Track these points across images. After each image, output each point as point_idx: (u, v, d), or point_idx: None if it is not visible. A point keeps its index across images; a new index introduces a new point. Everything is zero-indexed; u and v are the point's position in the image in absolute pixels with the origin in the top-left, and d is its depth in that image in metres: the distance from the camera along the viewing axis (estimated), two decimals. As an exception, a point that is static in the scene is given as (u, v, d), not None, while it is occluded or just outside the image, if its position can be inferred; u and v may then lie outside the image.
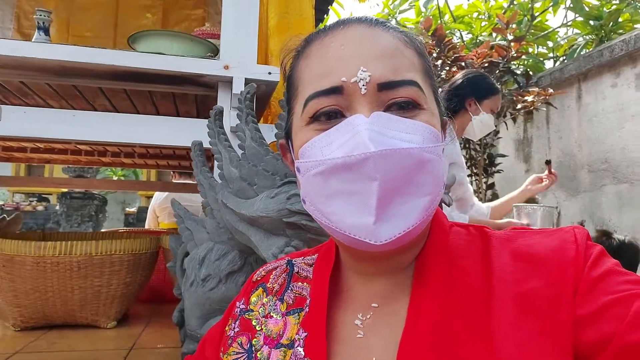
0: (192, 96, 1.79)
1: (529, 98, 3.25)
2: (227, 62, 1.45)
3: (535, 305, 0.48)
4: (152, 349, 1.54)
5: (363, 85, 0.49)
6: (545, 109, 3.58)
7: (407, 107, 0.50)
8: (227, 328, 0.67)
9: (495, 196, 4.71)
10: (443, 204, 1.24)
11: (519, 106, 3.36)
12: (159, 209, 3.74)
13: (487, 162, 3.98)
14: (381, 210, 0.46)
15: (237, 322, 0.66)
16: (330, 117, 0.51)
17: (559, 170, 3.90)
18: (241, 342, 0.63)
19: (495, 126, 3.28)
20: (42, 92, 1.76)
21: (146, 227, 3.97)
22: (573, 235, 0.52)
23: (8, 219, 3.64)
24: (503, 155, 4.08)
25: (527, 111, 3.45)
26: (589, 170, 3.58)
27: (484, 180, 4.07)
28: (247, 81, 1.45)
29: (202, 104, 1.89)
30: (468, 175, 4.09)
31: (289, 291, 0.64)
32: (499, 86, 2.31)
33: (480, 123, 2.09)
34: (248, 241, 1.26)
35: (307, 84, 0.54)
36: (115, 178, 10.83)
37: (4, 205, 10.07)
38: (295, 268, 0.67)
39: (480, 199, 3.97)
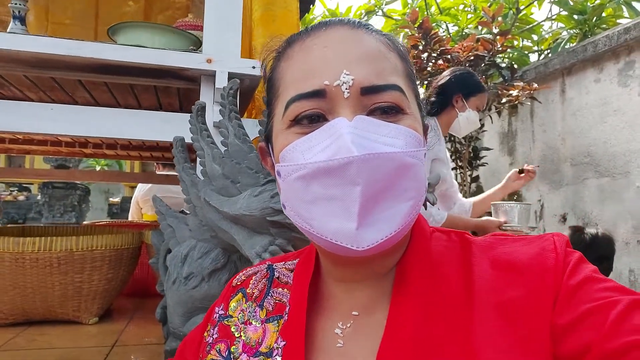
0: (175, 89, 1.75)
1: (514, 92, 3.27)
2: (210, 55, 1.42)
3: (516, 314, 0.48)
4: (135, 345, 1.52)
5: (346, 89, 0.49)
6: (529, 103, 3.61)
7: (390, 112, 0.50)
8: (205, 334, 0.66)
9: (479, 189, 4.76)
10: (427, 203, 1.24)
11: (503, 100, 3.37)
12: (142, 200, 3.70)
13: (471, 155, 4.01)
14: (363, 216, 0.46)
15: (216, 329, 0.65)
16: (312, 121, 0.50)
17: (542, 164, 3.95)
18: (220, 349, 0.62)
19: (480, 120, 3.29)
20: (19, 84, 1.71)
21: (129, 218, 3.93)
22: (552, 243, 0.52)
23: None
24: (487, 149, 4.11)
25: (512, 105, 3.48)
26: (572, 164, 3.62)
27: (469, 173, 4.09)
28: (230, 75, 1.43)
29: (185, 97, 1.86)
30: (453, 169, 4.13)
31: (269, 297, 0.63)
32: (484, 82, 2.33)
33: (466, 120, 2.12)
34: (231, 239, 1.24)
35: (289, 86, 0.53)
36: (98, 168, 10.66)
37: (-16, 195, 9.87)
38: (275, 273, 0.66)
39: (465, 192, 4.00)
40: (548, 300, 0.48)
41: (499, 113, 3.82)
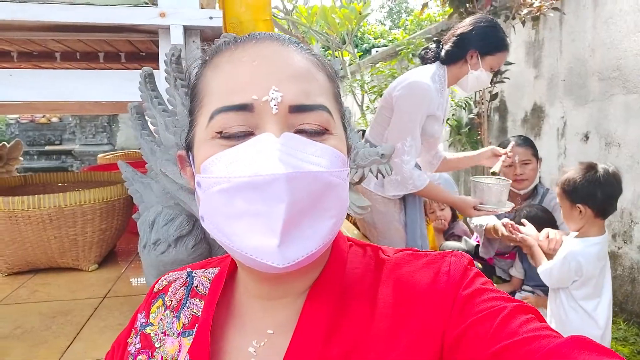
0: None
1: (536, 2, 2.95)
2: (164, 9, 1.33)
3: (413, 337, 0.50)
4: (125, 296, 1.61)
5: (274, 105, 0.48)
6: (552, 15, 3.27)
7: (317, 132, 0.50)
8: (129, 340, 0.65)
9: (503, 104, 4.52)
10: (379, 174, 1.18)
11: (524, 11, 3.06)
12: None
13: (492, 70, 3.75)
14: (286, 233, 0.46)
15: (138, 338, 0.64)
16: (237, 134, 0.49)
17: (568, 78, 3.67)
18: None
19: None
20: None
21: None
22: (448, 265, 0.54)
23: (9, 145, 3.71)
24: (509, 63, 3.83)
25: (534, 17, 3.16)
26: (600, 78, 3.34)
27: (488, 90, 3.87)
28: (187, 29, 1.34)
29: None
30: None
31: (186, 308, 0.62)
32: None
33: (475, 79, 1.95)
34: (190, 210, 1.24)
35: (215, 96, 0.51)
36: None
37: (19, 118, 10.23)
38: (194, 282, 0.65)
39: (483, 111, 3.82)
40: (437, 323, 0.49)
41: (523, 23, 3.49)
